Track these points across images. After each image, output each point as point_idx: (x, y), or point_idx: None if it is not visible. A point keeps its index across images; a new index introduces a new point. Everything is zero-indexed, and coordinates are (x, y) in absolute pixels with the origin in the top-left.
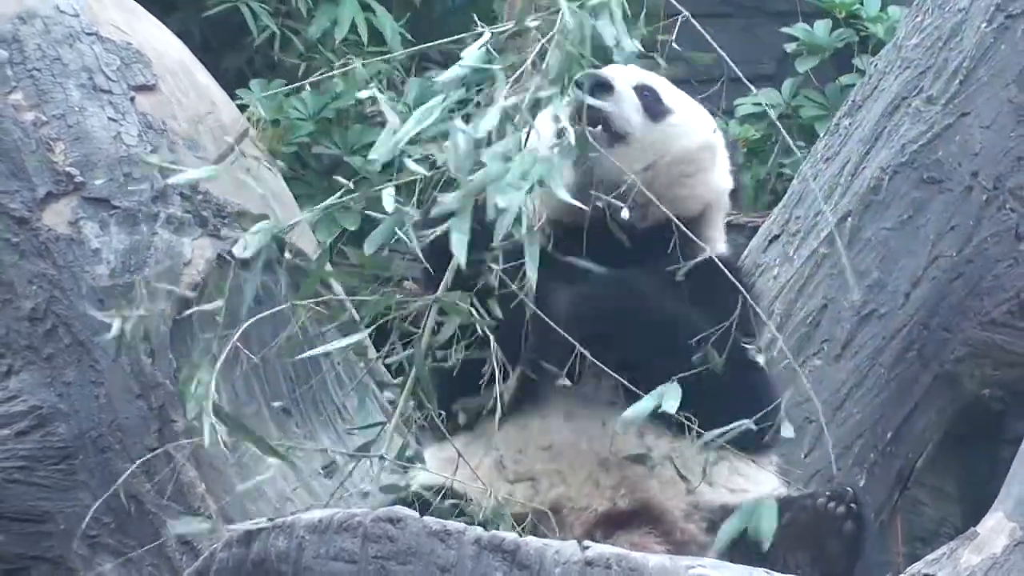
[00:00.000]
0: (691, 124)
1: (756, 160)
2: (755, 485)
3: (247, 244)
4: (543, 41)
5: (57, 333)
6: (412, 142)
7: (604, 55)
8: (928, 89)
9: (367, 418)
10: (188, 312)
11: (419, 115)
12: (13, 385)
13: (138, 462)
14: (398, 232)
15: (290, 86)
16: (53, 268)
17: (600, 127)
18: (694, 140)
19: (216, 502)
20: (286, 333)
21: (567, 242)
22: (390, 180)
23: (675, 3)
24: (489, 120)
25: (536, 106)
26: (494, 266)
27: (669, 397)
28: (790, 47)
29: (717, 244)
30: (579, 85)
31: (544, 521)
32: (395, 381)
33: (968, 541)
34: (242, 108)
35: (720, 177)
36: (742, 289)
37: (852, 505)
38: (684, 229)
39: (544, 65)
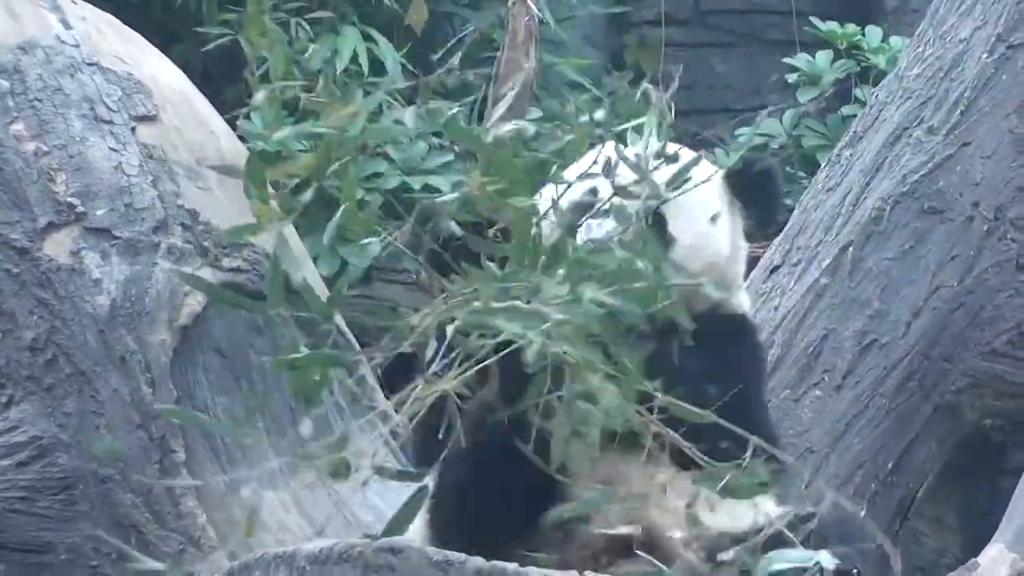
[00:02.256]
0: (698, 247)
1: None
2: (756, 513)
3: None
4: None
5: (58, 363)
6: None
7: None
8: (929, 119)
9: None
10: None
11: None
12: (14, 415)
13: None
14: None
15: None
16: (54, 298)
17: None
18: (701, 262)
19: (217, 531)
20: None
21: None
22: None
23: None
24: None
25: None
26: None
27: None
28: (791, 78)
29: (741, 300)
30: None
31: (553, 546)
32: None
33: (969, 572)
34: (242, 139)
35: (733, 257)
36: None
37: None
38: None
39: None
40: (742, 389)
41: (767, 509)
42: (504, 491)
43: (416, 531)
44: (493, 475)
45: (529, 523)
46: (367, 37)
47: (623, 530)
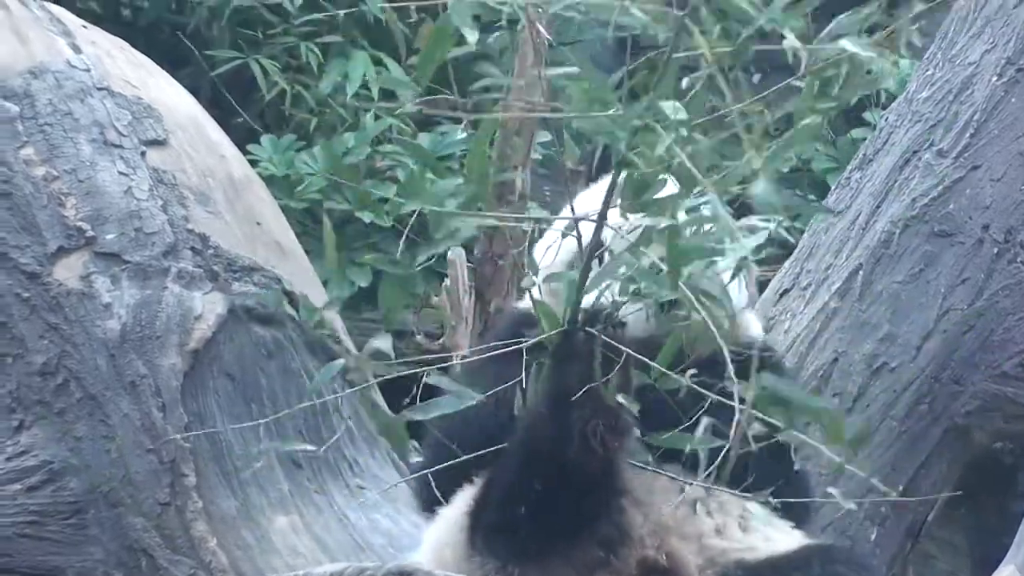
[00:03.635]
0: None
1: None
2: (771, 543)
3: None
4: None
5: (68, 388)
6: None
7: None
8: (939, 142)
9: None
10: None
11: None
12: (24, 440)
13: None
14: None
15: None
16: (64, 323)
17: None
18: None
19: (227, 556)
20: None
21: None
22: (401, 234)
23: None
24: None
25: None
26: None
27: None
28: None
29: (755, 326)
30: None
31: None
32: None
33: None
34: (253, 163)
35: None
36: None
37: None
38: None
39: None
40: None
41: (796, 535)
42: (549, 504)
43: (447, 544)
44: (540, 488)
45: (569, 538)
46: (377, 61)
47: (648, 554)
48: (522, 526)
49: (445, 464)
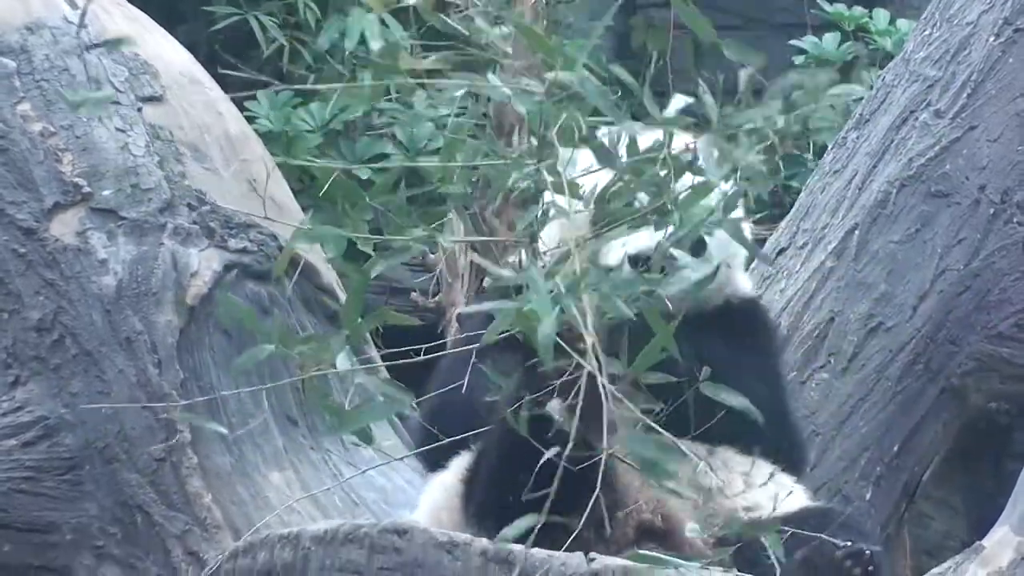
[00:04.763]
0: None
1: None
2: (770, 501)
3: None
4: None
5: (64, 344)
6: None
7: None
8: (936, 103)
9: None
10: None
11: None
12: (20, 396)
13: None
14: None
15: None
16: (60, 279)
17: None
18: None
19: (222, 512)
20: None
21: None
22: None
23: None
24: None
25: None
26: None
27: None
28: (798, 60)
29: (747, 283)
30: None
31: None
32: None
33: (974, 555)
34: (250, 120)
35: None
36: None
37: (869, 568)
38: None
39: None
40: (767, 374)
41: (800, 492)
42: (544, 472)
43: (443, 509)
44: (532, 456)
45: (567, 505)
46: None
47: (644, 517)
48: (509, 507)
49: (439, 435)
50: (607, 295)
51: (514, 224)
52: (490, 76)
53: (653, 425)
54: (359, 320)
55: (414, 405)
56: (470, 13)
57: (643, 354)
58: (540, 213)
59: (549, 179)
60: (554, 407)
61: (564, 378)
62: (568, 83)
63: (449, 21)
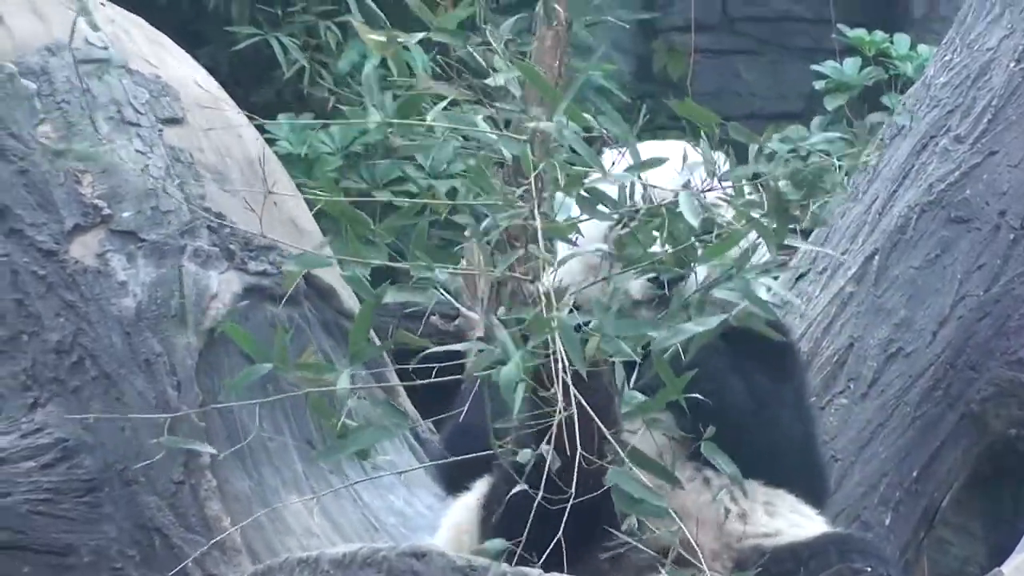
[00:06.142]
0: None
1: None
2: (792, 528)
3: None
4: None
5: (83, 365)
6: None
7: None
8: (956, 128)
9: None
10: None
11: None
12: (39, 418)
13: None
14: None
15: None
16: (80, 300)
17: None
18: None
19: (241, 535)
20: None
21: None
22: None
23: None
24: None
25: None
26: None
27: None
28: (819, 84)
29: None
30: None
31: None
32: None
33: None
34: (270, 142)
35: None
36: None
37: None
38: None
39: None
40: (792, 396)
41: (820, 521)
42: (548, 516)
43: (466, 532)
44: (535, 503)
45: (584, 533)
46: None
47: (662, 543)
48: (525, 535)
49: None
50: (609, 337)
51: (523, 258)
52: (478, 120)
53: (663, 465)
54: (365, 343)
55: (432, 428)
56: (492, 48)
57: (657, 397)
58: (540, 251)
59: (538, 223)
60: (544, 449)
61: (542, 423)
62: (548, 132)
63: (474, 53)
